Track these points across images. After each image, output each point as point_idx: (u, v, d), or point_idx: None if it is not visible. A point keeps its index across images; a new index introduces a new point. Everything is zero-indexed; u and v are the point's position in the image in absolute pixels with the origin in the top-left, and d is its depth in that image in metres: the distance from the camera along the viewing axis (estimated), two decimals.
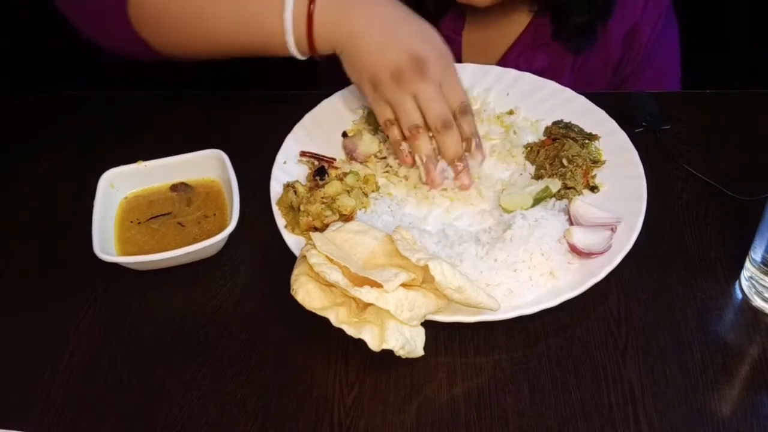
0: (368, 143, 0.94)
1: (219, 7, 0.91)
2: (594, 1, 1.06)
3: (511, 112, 1.00)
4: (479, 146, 0.92)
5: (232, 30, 0.92)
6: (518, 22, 1.14)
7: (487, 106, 1.01)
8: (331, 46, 0.89)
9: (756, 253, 0.79)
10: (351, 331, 0.71)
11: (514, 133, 0.97)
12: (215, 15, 0.91)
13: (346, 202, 0.85)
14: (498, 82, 1.03)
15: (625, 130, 0.95)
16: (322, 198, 0.85)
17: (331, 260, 0.74)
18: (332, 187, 0.86)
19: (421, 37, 0.88)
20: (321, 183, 0.88)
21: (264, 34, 0.90)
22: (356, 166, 0.93)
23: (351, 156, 0.94)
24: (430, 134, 0.89)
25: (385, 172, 0.93)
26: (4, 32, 1.51)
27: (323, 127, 0.98)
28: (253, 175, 0.91)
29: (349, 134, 0.96)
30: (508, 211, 0.87)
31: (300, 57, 0.92)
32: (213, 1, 0.91)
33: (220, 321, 0.80)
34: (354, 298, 0.73)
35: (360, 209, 0.88)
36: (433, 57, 0.87)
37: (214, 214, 0.88)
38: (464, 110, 0.89)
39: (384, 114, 0.89)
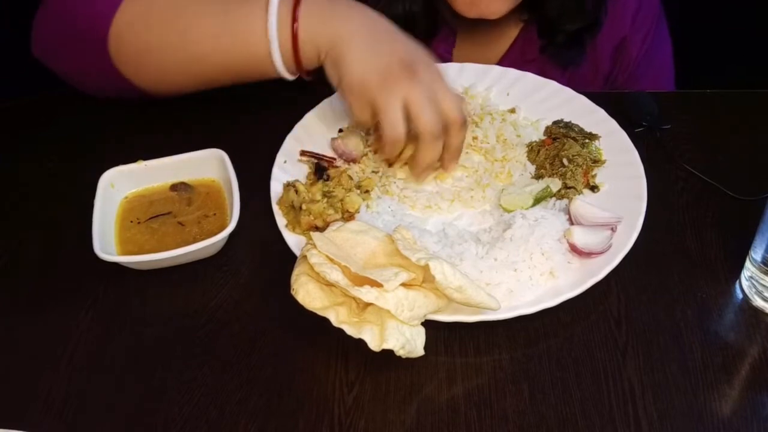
0: (356, 143, 0.94)
1: (201, 30, 0.89)
2: (582, 7, 1.06)
3: (512, 111, 1.00)
4: (455, 161, 0.90)
5: (217, 53, 0.89)
6: (507, 37, 1.14)
7: (489, 102, 1.01)
8: (317, 51, 0.86)
9: (756, 253, 0.79)
10: (351, 330, 0.71)
11: (518, 136, 0.96)
12: (198, 40, 0.89)
13: (354, 200, 0.86)
14: (498, 82, 1.03)
15: (625, 129, 0.95)
16: (329, 192, 0.86)
17: (331, 260, 0.74)
18: (340, 192, 0.87)
19: (409, 46, 0.86)
20: (326, 184, 0.88)
21: (250, 51, 0.88)
22: (354, 167, 0.93)
23: (341, 157, 0.94)
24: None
25: (374, 172, 0.93)
26: (4, 32, 1.51)
27: (323, 126, 0.98)
28: (253, 175, 0.91)
29: (340, 135, 0.96)
30: (509, 211, 0.87)
31: (287, 75, 0.90)
32: (195, 27, 0.89)
33: (221, 320, 0.80)
34: (354, 298, 0.73)
35: (364, 201, 0.88)
36: (424, 63, 0.85)
37: (215, 214, 0.88)
38: (463, 124, 0.86)
39: (363, 116, 0.86)
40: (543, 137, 0.96)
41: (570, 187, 0.89)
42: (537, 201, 0.88)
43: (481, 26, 1.04)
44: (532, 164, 0.94)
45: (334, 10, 0.87)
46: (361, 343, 0.71)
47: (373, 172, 0.93)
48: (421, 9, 1.07)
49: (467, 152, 0.95)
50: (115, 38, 0.90)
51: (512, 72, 1.04)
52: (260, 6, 0.86)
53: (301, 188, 0.87)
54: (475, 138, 0.96)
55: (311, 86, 0.94)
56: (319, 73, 0.90)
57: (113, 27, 0.89)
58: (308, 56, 0.87)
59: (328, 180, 0.90)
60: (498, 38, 1.13)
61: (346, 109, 0.93)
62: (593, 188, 0.90)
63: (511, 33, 1.13)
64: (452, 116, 0.85)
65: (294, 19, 0.85)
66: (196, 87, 0.95)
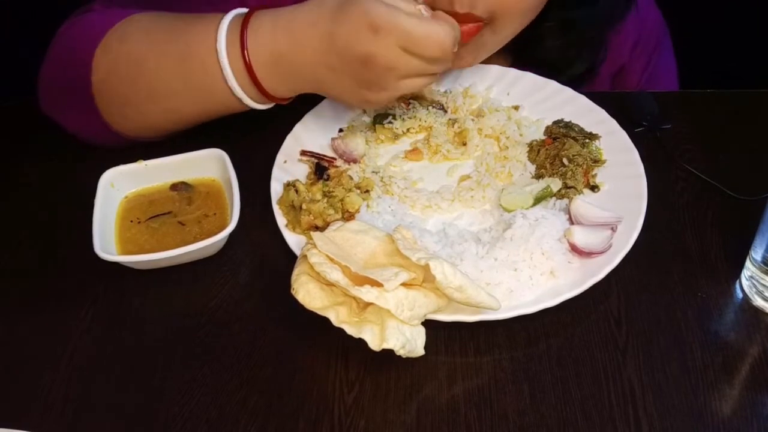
0: (356, 143, 0.94)
1: (166, 86, 0.88)
2: (581, 53, 1.05)
3: (516, 108, 1.00)
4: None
5: (190, 104, 0.90)
6: None
7: (490, 102, 1.01)
8: (290, 92, 0.88)
9: (756, 253, 0.79)
10: (351, 330, 0.71)
11: (521, 135, 0.96)
12: (167, 95, 0.89)
13: (354, 200, 0.86)
14: (498, 82, 1.03)
15: (625, 129, 0.95)
16: (329, 192, 0.86)
17: (331, 259, 0.74)
18: (340, 192, 0.87)
19: (356, 47, 0.80)
20: (326, 184, 0.88)
21: (221, 102, 0.88)
22: (354, 167, 0.93)
23: (342, 157, 0.94)
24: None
25: (374, 172, 0.93)
26: (5, 32, 1.51)
27: (323, 126, 0.98)
28: (253, 174, 0.91)
29: (340, 135, 0.96)
30: (509, 211, 0.87)
31: (265, 108, 0.90)
32: (159, 86, 0.88)
33: (221, 320, 0.80)
34: (354, 298, 0.73)
35: (364, 200, 0.88)
36: (377, 54, 0.79)
37: (215, 214, 0.88)
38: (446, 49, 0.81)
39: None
40: (543, 137, 0.96)
41: (570, 187, 0.89)
42: (537, 201, 0.88)
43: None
44: (533, 164, 0.94)
45: (285, 56, 0.84)
46: (361, 343, 0.71)
47: (373, 172, 0.93)
48: None
49: (477, 145, 0.95)
50: (97, 94, 0.90)
51: (512, 72, 1.04)
52: (212, 60, 0.85)
53: (301, 188, 0.87)
54: (480, 130, 0.96)
55: None
56: None
57: (94, 85, 0.89)
58: (280, 92, 0.87)
59: (328, 180, 0.90)
60: None
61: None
62: (593, 188, 0.90)
63: None
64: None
65: (248, 67, 0.84)
66: (182, 130, 0.94)
